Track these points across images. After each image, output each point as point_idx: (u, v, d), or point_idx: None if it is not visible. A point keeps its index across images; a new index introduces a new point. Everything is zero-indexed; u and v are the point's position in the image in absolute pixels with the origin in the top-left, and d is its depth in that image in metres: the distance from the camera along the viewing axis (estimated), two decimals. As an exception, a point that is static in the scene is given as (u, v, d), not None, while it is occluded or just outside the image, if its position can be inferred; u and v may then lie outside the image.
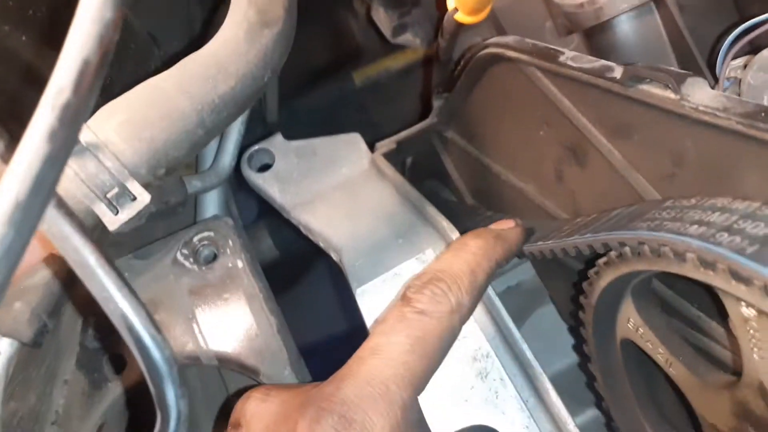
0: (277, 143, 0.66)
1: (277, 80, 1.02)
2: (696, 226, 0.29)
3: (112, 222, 0.31)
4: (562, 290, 0.55)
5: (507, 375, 0.49)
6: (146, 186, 0.34)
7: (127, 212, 0.31)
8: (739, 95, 0.41)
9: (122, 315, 0.24)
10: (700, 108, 0.31)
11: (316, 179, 0.65)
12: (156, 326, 0.25)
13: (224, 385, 0.65)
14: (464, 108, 0.59)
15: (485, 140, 0.59)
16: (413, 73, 1.12)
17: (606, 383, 0.44)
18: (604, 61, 0.38)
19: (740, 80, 0.41)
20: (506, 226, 0.47)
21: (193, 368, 0.64)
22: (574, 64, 0.40)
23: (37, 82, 0.49)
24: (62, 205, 0.23)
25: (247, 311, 0.58)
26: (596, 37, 0.53)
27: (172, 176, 0.49)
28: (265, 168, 0.67)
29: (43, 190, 0.18)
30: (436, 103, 0.62)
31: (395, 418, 0.33)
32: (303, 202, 0.64)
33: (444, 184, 0.76)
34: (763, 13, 0.40)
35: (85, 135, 0.32)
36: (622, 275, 0.35)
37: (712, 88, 0.33)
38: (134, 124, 0.33)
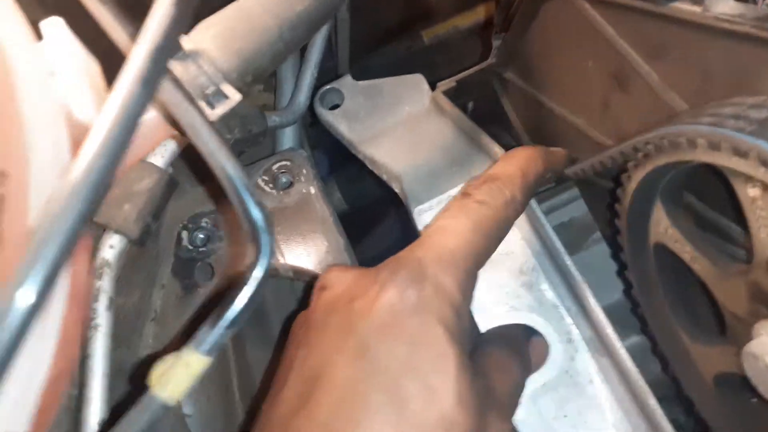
0: (346, 83, 0.72)
1: (349, 36, 1.08)
2: (708, 118, 0.33)
3: (211, 115, 0.38)
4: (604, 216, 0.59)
5: (551, 286, 0.54)
6: (238, 90, 0.40)
7: (222, 108, 0.38)
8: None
9: (223, 169, 0.30)
10: (719, 16, 0.35)
11: (380, 116, 0.70)
12: (245, 174, 0.31)
13: (294, 295, 0.73)
14: (521, 47, 0.63)
15: (540, 77, 0.63)
16: (481, 32, 1.15)
17: (641, 289, 0.48)
18: (642, -16, 0.42)
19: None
20: (552, 149, 0.52)
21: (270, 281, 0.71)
22: (615, -11, 0.43)
23: None
24: (174, 79, 0.30)
25: (318, 231, 0.65)
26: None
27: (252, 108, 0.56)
28: (335, 107, 0.73)
29: (165, 53, 0.24)
30: (495, 43, 0.66)
31: (459, 281, 0.38)
32: (368, 138, 0.70)
33: (504, 129, 0.81)
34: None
35: (187, 44, 0.39)
36: (649, 174, 0.40)
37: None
38: (226, 36, 0.39)
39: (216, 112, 0.38)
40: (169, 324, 0.63)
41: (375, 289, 0.38)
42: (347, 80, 0.73)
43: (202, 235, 0.66)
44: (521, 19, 0.59)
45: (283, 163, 0.68)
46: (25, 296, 0.20)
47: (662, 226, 0.43)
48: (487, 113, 0.82)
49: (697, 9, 0.37)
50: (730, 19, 0.34)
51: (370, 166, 0.69)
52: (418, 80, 0.71)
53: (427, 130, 0.67)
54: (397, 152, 0.66)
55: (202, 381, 0.31)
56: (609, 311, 0.67)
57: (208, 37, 0.39)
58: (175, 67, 0.39)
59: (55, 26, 0.27)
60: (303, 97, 0.74)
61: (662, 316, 0.48)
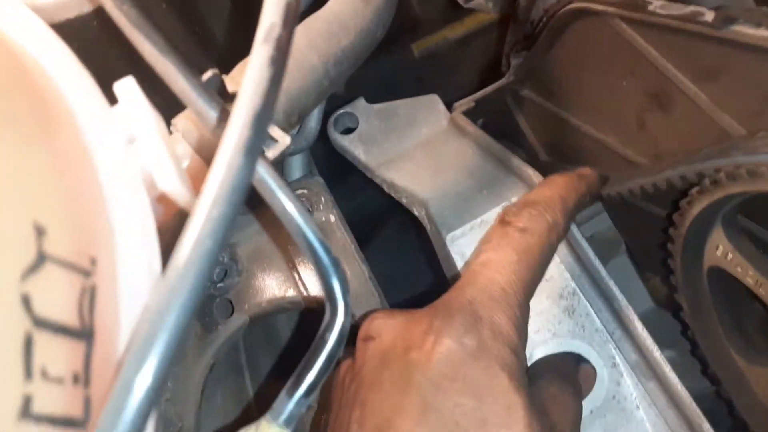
0: (360, 107, 0.70)
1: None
2: (793, 148, 0.32)
3: (261, 161, 0.36)
4: (641, 237, 0.58)
5: (593, 310, 0.52)
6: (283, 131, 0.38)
7: (273, 152, 0.36)
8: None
9: (297, 227, 0.28)
10: (792, 41, 0.34)
11: (397, 139, 0.69)
12: (322, 235, 0.29)
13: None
14: (542, 65, 0.62)
15: (564, 95, 0.62)
16: (470, 44, 1.14)
17: (692, 311, 0.47)
18: (693, 7, 0.41)
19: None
20: (584, 172, 0.51)
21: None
22: (664, 12, 0.42)
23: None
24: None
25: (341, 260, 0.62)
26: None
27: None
28: (348, 131, 0.71)
29: (266, 117, 0.22)
30: (514, 62, 0.65)
31: (514, 319, 0.37)
32: (386, 161, 0.68)
33: (516, 143, 0.79)
34: None
35: (231, 85, 0.37)
36: (714, 202, 0.39)
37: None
38: (273, 74, 0.37)
39: (267, 156, 0.36)
40: (189, 366, 0.61)
41: (431, 339, 0.36)
42: (361, 103, 0.71)
43: (218, 270, 0.63)
44: (547, 38, 0.58)
45: (301, 191, 0.65)
46: (143, 380, 0.18)
47: (721, 251, 0.42)
48: (497, 129, 0.81)
49: (765, 33, 0.36)
50: (805, 43, 0.34)
51: (388, 190, 0.67)
52: (434, 100, 0.69)
53: (448, 152, 0.65)
54: (418, 176, 0.64)
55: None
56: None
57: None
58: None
59: (128, 87, 0.25)
60: (314, 122, 0.71)
61: (715, 338, 0.47)
